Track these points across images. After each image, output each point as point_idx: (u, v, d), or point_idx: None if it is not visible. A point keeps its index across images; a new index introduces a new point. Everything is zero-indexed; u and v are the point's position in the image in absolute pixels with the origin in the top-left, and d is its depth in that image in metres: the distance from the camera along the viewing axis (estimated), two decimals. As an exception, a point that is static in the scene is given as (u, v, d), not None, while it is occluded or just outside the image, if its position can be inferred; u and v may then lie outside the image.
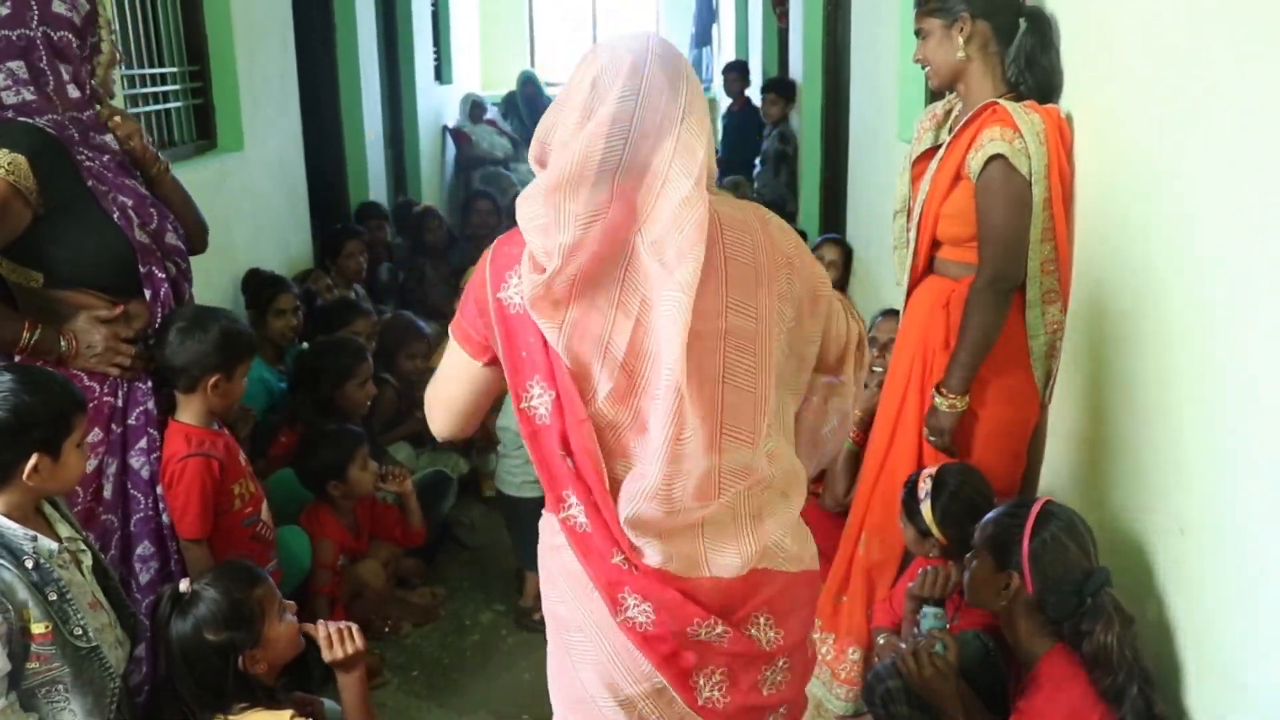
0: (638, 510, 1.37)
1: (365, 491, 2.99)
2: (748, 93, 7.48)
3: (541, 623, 1.61)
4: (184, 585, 1.91)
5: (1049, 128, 2.13)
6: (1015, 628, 1.87)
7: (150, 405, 2.23)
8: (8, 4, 2.03)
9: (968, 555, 1.98)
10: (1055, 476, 2.30)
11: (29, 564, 1.70)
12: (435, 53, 8.05)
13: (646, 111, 1.31)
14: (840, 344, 1.59)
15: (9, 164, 1.97)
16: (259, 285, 3.64)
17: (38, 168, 2.01)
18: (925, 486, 2.21)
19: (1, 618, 1.64)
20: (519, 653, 2.97)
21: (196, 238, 2.42)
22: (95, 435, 2.14)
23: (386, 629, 3.03)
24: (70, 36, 2.11)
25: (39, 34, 2.06)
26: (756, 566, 1.46)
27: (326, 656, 1.98)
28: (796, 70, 6.23)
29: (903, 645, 2.19)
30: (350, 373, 3.21)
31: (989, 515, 1.95)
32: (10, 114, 2.04)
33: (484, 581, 3.35)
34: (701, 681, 1.47)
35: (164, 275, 2.23)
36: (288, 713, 1.88)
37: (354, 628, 2.01)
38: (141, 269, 2.17)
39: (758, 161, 6.88)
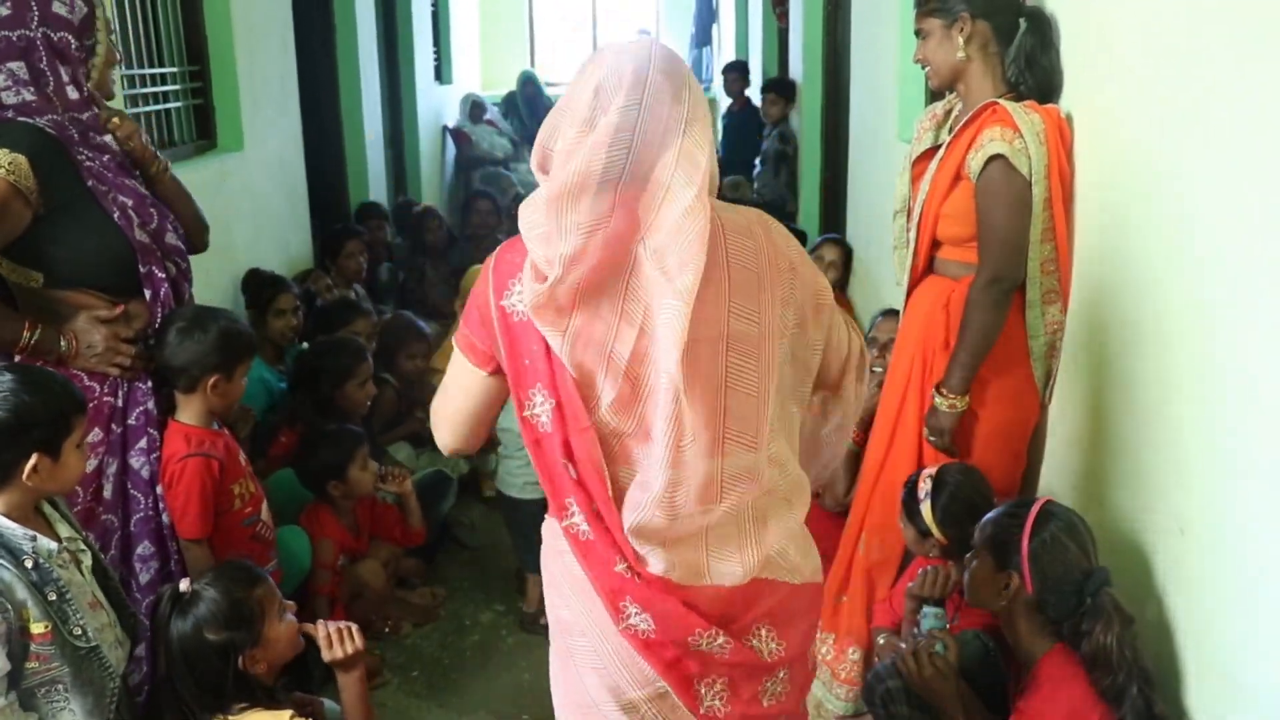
0: (642, 519, 1.38)
1: (365, 491, 2.99)
2: (748, 93, 7.49)
3: (546, 627, 1.61)
4: (184, 585, 1.91)
5: (1049, 128, 2.13)
6: (1015, 628, 1.87)
7: (150, 405, 2.24)
8: (8, 5, 2.03)
9: (968, 555, 1.98)
10: (1055, 476, 2.30)
11: (28, 564, 1.70)
12: (435, 53, 8.04)
13: (649, 121, 1.30)
14: (841, 356, 1.59)
15: (9, 164, 1.97)
16: (259, 285, 3.64)
17: (38, 168, 2.01)
18: (925, 486, 2.21)
19: (1, 617, 1.64)
20: (519, 653, 2.97)
21: (196, 237, 2.42)
22: (95, 435, 2.14)
23: (386, 629, 3.03)
24: (70, 37, 2.12)
25: (39, 35, 2.06)
26: (758, 576, 1.46)
27: (326, 656, 1.98)
28: (796, 70, 6.23)
29: (903, 645, 2.19)
30: (350, 373, 3.21)
31: (989, 515, 1.94)
32: (10, 114, 2.04)
33: (484, 581, 3.35)
34: (704, 690, 1.47)
35: (164, 275, 2.23)
36: (287, 713, 1.88)
37: (354, 628, 2.02)
38: (141, 269, 2.18)
39: (758, 161, 6.88)
